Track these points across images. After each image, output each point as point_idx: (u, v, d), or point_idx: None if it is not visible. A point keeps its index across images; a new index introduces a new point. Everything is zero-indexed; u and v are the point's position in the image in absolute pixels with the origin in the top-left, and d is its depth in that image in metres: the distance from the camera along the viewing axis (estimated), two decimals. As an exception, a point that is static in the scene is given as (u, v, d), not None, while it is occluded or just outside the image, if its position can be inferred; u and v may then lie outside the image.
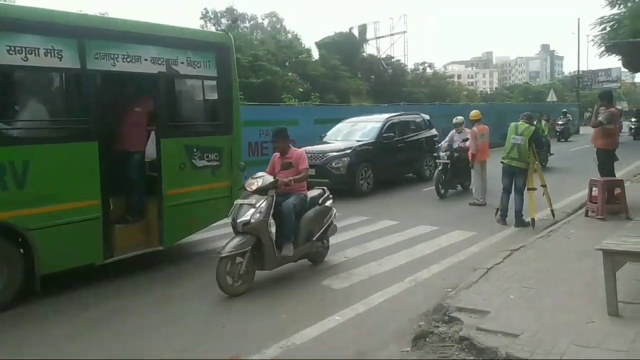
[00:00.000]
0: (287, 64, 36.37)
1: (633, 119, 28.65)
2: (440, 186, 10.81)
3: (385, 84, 43.71)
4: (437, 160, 10.96)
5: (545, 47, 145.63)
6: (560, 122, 26.24)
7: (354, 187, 11.56)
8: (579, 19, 66.23)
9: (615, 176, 8.55)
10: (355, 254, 6.84)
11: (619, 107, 26.90)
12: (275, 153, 6.27)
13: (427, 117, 14.79)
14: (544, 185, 8.25)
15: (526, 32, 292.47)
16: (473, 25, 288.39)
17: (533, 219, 7.86)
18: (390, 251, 6.91)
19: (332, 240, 7.53)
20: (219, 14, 60.13)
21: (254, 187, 5.56)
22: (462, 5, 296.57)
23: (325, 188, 6.62)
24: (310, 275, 6.01)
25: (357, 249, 7.04)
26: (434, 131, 14.44)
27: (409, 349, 4.01)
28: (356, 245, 7.27)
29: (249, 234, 5.31)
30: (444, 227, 8.17)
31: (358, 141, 12.31)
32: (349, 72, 39.97)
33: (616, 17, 20.41)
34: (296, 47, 42.40)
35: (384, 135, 12.52)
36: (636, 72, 19.66)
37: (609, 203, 7.90)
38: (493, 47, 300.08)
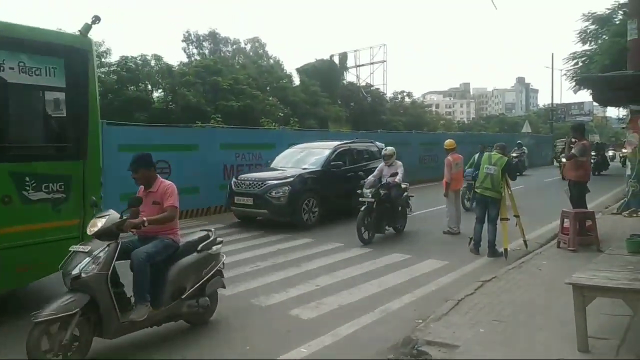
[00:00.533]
0: (267, 88, 36.51)
1: (592, 153, 26.51)
2: (363, 230, 9.02)
3: (365, 111, 44.13)
4: (360, 199, 9.23)
5: (520, 80, 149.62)
6: (514, 155, 23.98)
7: (296, 219, 10.64)
8: (552, 53, 68.64)
9: (587, 208, 8.63)
10: (327, 282, 6.68)
11: (591, 139, 27.48)
12: (141, 186, 5.07)
13: (382, 145, 13.59)
14: (517, 216, 8.26)
15: (503, 64, 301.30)
16: (451, 56, 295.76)
17: (506, 249, 7.84)
18: (363, 279, 6.78)
19: (305, 267, 7.44)
20: (201, 37, 60.24)
21: (94, 230, 4.35)
22: (441, 37, 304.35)
23: (212, 230, 5.38)
24: (279, 304, 5.83)
25: (328, 277, 6.89)
26: None
27: (376, 384, 3.87)
28: (328, 273, 7.13)
29: (79, 291, 4.09)
30: (418, 255, 8.09)
31: (304, 169, 11.47)
32: (329, 99, 40.29)
33: (587, 53, 21.13)
34: (277, 72, 42.66)
35: (332, 163, 11.58)
36: (605, 106, 20.38)
37: (581, 235, 7.94)
38: (470, 79, 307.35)
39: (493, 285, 6.03)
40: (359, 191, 9.35)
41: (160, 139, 12.27)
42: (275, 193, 10.53)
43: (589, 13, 20.51)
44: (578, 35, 21.27)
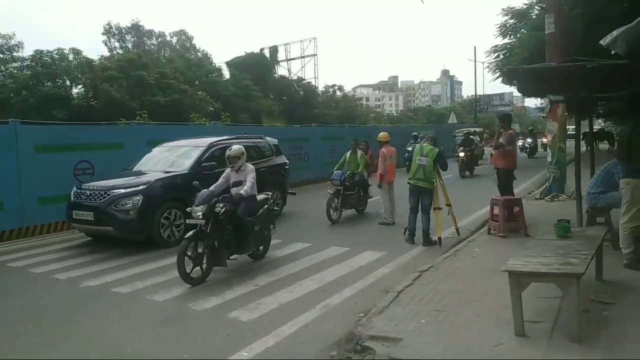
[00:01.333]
0: (196, 82, 35.56)
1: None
2: (191, 266, 6.39)
3: (297, 105, 44.11)
4: (187, 221, 7.23)
5: (445, 73, 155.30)
6: (409, 149, 18.83)
7: (152, 236, 8.59)
8: (475, 47, 71.77)
9: (514, 195, 9.00)
10: (266, 281, 6.52)
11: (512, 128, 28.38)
12: None
13: (274, 141, 12.32)
14: (449, 205, 8.47)
15: (429, 57, 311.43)
16: (380, 50, 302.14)
17: (440, 238, 8.01)
18: (302, 276, 6.68)
19: (243, 267, 7.21)
20: (123, 30, 57.60)
21: None
22: (370, 31, 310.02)
23: None
24: (217, 307, 5.60)
25: (267, 276, 6.73)
26: (282, 158, 12.24)
27: (321, 384, 3.78)
28: (266, 272, 6.97)
29: None
30: (356, 247, 8.11)
31: (166, 172, 9.45)
32: (261, 93, 39.87)
33: (508, 46, 22.12)
34: (206, 66, 41.70)
35: (203, 164, 9.50)
36: (528, 96, 21.30)
37: (509, 221, 8.26)
38: (398, 71, 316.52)
39: (430, 274, 6.13)
40: (188, 209, 6.89)
41: (82, 138, 11.54)
42: (122, 205, 8.46)
43: (508, 8, 21.49)
44: (498, 29, 22.21)
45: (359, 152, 11.26)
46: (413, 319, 4.65)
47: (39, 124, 13.18)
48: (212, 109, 31.57)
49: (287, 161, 12.58)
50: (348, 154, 11.19)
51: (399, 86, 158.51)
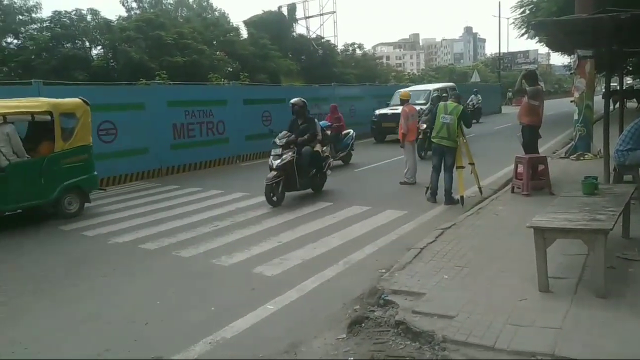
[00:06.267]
0: (214, 42, 35.21)
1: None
2: None
3: (316, 64, 43.47)
4: None
5: (468, 30, 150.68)
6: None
7: None
8: (499, 2, 69.19)
9: (539, 153, 8.83)
10: (289, 237, 6.60)
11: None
12: None
13: None
14: (472, 163, 8.36)
15: (450, 14, 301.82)
16: (401, 6, 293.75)
17: (462, 197, 7.96)
18: (324, 233, 6.75)
19: (266, 224, 7.35)
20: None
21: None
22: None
23: None
24: (242, 263, 5.72)
25: (290, 233, 6.82)
26: None
27: (345, 336, 3.85)
28: (290, 228, 7.05)
29: None
30: (376, 206, 8.12)
31: None
32: (279, 52, 39.33)
33: (534, 0, 21.29)
34: (223, 26, 41.11)
35: None
36: (557, 51, 20.31)
37: (533, 179, 8.14)
38: (420, 29, 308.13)
39: (453, 232, 6.12)
40: None
41: (103, 99, 11.61)
42: None
43: (535, -40, 20.60)
44: (525, -17, 21.37)
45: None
46: (435, 274, 4.68)
47: (61, 84, 13.28)
48: (231, 69, 31.37)
49: None
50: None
51: (421, 44, 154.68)
